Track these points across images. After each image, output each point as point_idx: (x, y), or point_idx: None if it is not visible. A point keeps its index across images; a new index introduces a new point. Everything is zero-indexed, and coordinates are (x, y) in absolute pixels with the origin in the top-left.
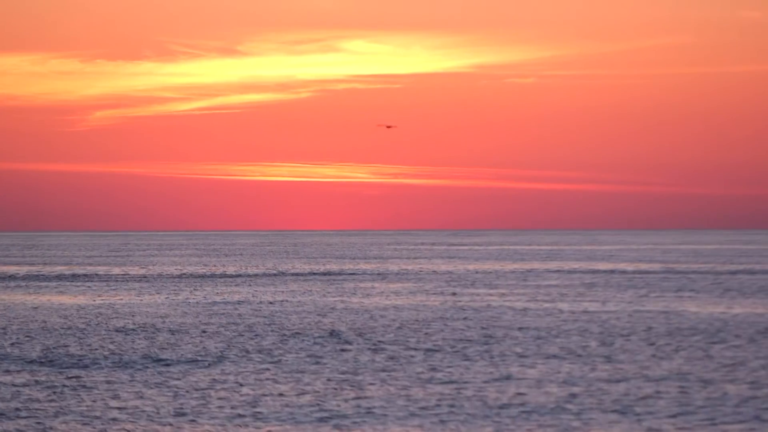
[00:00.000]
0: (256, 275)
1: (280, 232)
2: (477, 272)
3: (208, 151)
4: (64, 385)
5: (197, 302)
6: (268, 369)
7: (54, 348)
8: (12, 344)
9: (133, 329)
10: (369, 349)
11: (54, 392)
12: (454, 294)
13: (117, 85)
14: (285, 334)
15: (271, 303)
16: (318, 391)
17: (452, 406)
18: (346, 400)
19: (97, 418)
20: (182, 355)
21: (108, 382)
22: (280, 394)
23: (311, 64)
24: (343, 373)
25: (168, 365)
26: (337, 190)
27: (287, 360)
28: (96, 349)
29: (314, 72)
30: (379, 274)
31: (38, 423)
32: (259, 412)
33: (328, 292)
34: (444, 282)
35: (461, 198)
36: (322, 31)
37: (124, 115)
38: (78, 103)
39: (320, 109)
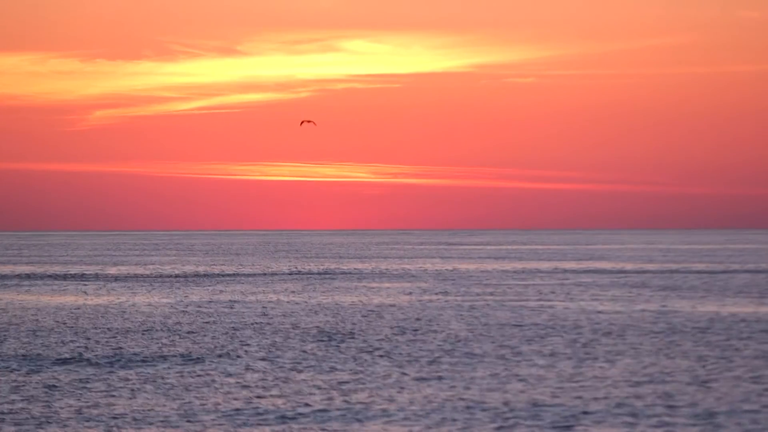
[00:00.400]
0: (255, 275)
1: (280, 232)
2: (476, 272)
3: (208, 151)
4: (64, 385)
5: (195, 302)
6: (267, 369)
7: (53, 348)
8: (10, 344)
9: (132, 329)
10: (368, 348)
11: (54, 392)
12: (451, 293)
13: (117, 84)
14: (284, 334)
15: (270, 303)
16: (318, 391)
17: (452, 405)
18: (345, 400)
19: (95, 417)
20: (181, 354)
21: (107, 382)
22: (280, 394)
23: (311, 64)
24: (342, 372)
25: (167, 365)
26: (337, 190)
27: (287, 360)
28: (95, 349)
29: (314, 72)
30: (379, 273)
31: (38, 423)
32: (258, 412)
33: (328, 292)
34: (443, 282)
35: (461, 198)
36: (322, 30)
37: (123, 115)
38: (78, 102)
39: (320, 108)
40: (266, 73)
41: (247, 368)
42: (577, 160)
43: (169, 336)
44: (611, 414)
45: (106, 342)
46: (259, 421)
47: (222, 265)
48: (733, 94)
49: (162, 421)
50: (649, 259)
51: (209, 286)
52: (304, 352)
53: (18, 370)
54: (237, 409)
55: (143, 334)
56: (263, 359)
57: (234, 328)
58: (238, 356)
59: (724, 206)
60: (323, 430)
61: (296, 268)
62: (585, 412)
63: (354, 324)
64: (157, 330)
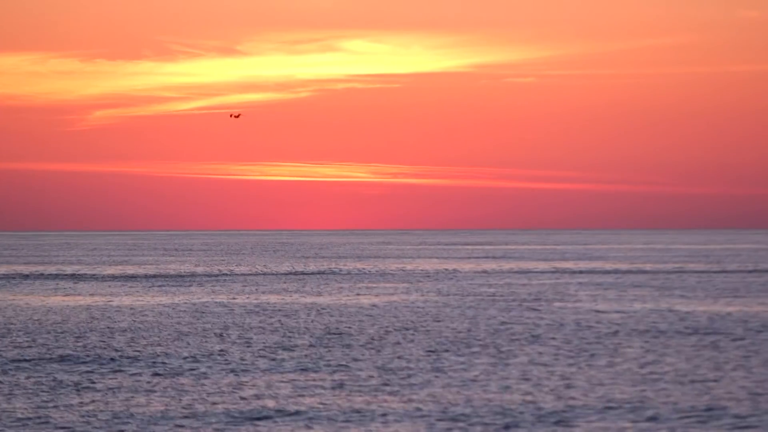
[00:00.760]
0: (255, 274)
1: (279, 232)
2: (476, 272)
3: (208, 151)
4: (63, 385)
5: (195, 302)
6: (267, 369)
7: (52, 347)
8: (9, 344)
9: (132, 329)
10: (368, 348)
11: (53, 392)
12: (451, 293)
13: (117, 84)
14: (283, 334)
15: (269, 303)
16: (317, 391)
17: (452, 405)
18: (345, 400)
19: (95, 416)
20: (180, 354)
21: (106, 382)
22: (280, 394)
23: (310, 64)
24: (342, 372)
25: (165, 364)
26: (337, 190)
27: (286, 360)
28: (94, 349)
29: (314, 72)
30: (378, 273)
31: (38, 422)
32: (258, 412)
33: (327, 292)
34: (443, 282)
35: (461, 198)
36: (322, 30)
37: (123, 115)
38: (78, 102)
39: (320, 108)
40: (266, 73)
41: (246, 368)
42: (577, 160)
43: (168, 336)
44: (611, 414)
45: (105, 342)
46: (258, 420)
47: (221, 264)
48: (733, 94)
49: (162, 421)
50: (648, 259)
51: (208, 286)
52: (304, 352)
53: (16, 370)
54: (236, 409)
55: (143, 334)
56: (263, 359)
57: (233, 328)
58: (238, 356)
59: (724, 206)
60: (323, 429)
61: (295, 268)
62: (584, 412)
63: (353, 324)
64: (156, 330)
